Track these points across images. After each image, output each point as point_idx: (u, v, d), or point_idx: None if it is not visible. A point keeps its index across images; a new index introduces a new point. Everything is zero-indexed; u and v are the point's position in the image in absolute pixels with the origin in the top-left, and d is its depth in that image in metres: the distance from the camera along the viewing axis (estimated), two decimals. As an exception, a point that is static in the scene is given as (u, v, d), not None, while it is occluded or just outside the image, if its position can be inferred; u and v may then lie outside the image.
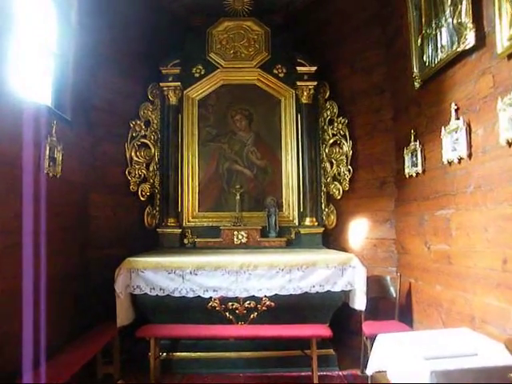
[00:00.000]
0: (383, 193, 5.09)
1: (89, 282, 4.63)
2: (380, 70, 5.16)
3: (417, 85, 4.08)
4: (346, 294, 4.40)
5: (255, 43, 5.70)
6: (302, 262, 4.25)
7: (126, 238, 5.23)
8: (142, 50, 5.54)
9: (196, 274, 4.22)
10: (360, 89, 5.38)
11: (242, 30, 5.73)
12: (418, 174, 4.20)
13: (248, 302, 4.30)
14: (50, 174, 3.69)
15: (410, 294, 4.38)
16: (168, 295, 4.19)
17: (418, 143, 4.17)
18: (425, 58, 3.89)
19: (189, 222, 5.53)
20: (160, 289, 4.20)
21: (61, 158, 3.85)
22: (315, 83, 5.50)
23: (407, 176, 4.43)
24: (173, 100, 5.53)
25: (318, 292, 4.22)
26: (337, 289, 4.25)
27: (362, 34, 5.33)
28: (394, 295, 4.45)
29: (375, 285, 4.50)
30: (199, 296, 4.20)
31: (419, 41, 3.96)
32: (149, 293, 4.20)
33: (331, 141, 5.56)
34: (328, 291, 4.23)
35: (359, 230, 5.32)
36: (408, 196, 4.53)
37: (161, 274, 4.21)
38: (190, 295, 4.20)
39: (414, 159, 4.26)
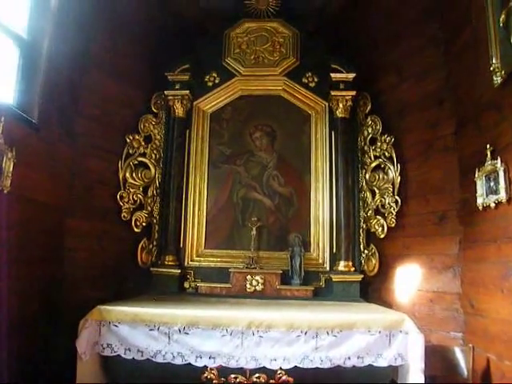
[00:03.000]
0: (443, 231, 3.87)
1: (57, 334, 3.56)
2: (437, 74, 4.05)
3: (497, 81, 2.95)
4: (394, 370, 3.15)
5: (281, 47, 4.75)
6: (333, 323, 3.04)
7: (113, 278, 4.20)
8: (147, 53, 4.71)
9: (187, 333, 3.06)
10: (410, 100, 4.28)
11: (266, 33, 4.80)
12: (498, 203, 2.99)
13: (257, 375, 3.05)
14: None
15: (490, 376, 3.05)
16: (148, 360, 3.04)
17: (498, 161, 2.98)
18: (512, 41, 2.80)
19: (192, 261, 4.43)
20: (138, 350, 3.06)
21: (11, 167, 2.88)
22: (353, 93, 4.44)
23: (480, 208, 3.22)
24: (179, 112, 4.58)
25: (354, 366, 2.98)
26: (382, 363, 3.00)
27: (412, 33, 4.28)
28: (465, 376, 3.14)
29: (436, 358, 3.18)
30: (190, 363, 3.04)
31: (502, 18, 2.87)
32: (123, 355, 3.06)
33: (373, 164, 4.43)
34: (370, 365, 2.99)
35: (409, 279, 4.07)
36: (482, 235, 3.31)
37: (140, 331, 3.08)
38: (178, 362, 3.03)
39: (493, 184, 3.07)
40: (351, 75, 4.45)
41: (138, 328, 3.10)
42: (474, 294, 3.42)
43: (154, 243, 4.49)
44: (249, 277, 4.21)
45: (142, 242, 4.41)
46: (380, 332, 3.04)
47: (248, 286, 4.19)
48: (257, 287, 4.19)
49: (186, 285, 4.35)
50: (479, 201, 3.24)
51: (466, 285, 3.57)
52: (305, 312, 3.26)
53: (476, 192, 3.28)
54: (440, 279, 3.84)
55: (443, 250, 3.84)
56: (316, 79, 4.66)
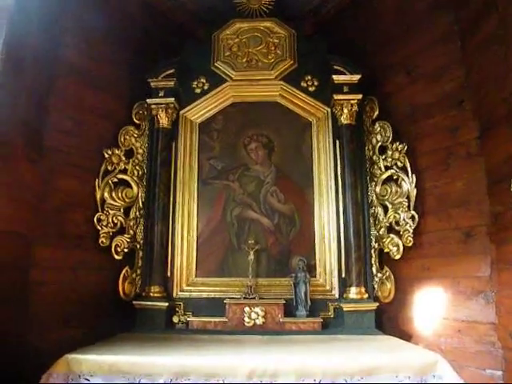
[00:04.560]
0: (470, 249, 3.34)
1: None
2: (454, 72, 3.59)
3: (537, 70, 2.50)
4: (427, 423, 2.60)
5: (276, 49, 4.28)
6: (352, 369, 2.48)
7: (90, 314, 3.61)
8: (128, 59, 4.19)
9: (174, 387, 2.51)
10: (424, 102, 3.80)
11: (259, 33, 4.33)
12: (545, 217, 2.51)
13: None
14: None
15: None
16: (128, 421, 2.49)
17: (542, 166, 2.51)
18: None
19: (181, 291, 3.87)
20: (114, 410, 2.50)
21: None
22: (359, 96, 3.95)
23: (519, 222, 2.74)
24: (164, 122, 4.07)
25: (381, 422, 2.44)
26: (414, 416, 2.47)
27: (422, 28, 3.85)
28: (516, 429, 2.60)
29: (477, 406, 2.67)
30: (179, 424, 2.48)
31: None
32: (96, 416, 2.51)
33: (384, 176, 3.92)
34: (399, 420, 2.46)
35: (432, 306, 3.53)
36: (521, 255, 2.81)
37: (117, 384, 2.53)
38: (164, 422, 2.48)
39: (535, 193, 2.59)
40: (356, 77, 3.97)
41: (114, 381, 2.53)
42: (515, 325, 2.90)
43: (138, 272, 3.91)
44: (247, 309, 3.65)
45: (124, 271, 3.84)
46: (410, 377, 2.51)
47: (246, 319, 3.62)
48: (257, 320, 3.62)
49: (175, 319, 3.78)
50: (518, 214, 2.75)
51: (504, 314, 3.03)
52: (317, 354, 2.71)
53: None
54: (469, 306, 3.30)
55: (472, 272, 3.32)
56: (316, 83, 4.18)
